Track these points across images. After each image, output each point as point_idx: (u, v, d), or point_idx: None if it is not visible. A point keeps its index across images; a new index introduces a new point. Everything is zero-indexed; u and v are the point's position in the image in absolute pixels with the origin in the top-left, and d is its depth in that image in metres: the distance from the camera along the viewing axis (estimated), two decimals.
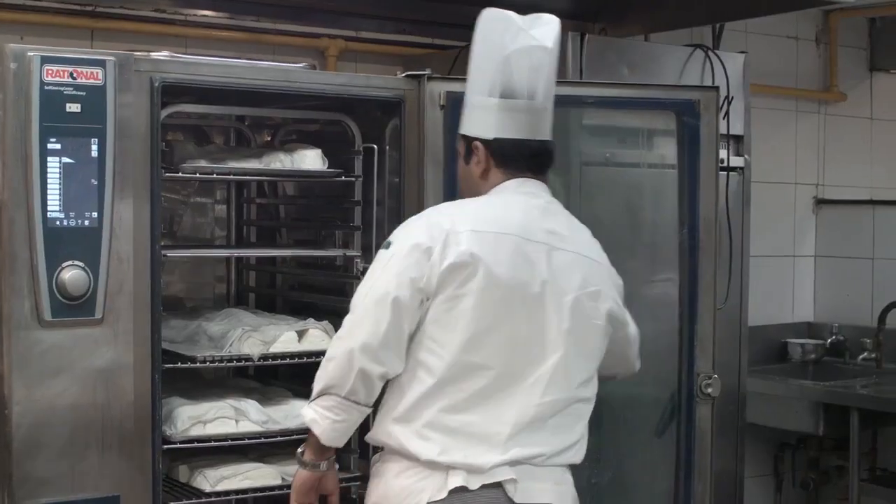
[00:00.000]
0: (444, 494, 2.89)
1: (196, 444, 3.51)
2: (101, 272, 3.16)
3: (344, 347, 2.98)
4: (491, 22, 3.13)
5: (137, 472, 3.26)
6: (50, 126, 3.08)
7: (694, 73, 4.84)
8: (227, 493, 3.56)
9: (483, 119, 3.14)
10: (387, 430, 3.01)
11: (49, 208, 3.09)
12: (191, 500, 3.52)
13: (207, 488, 3.53)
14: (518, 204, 3.10)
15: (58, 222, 3.10)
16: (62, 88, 3.10)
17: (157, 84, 3.25)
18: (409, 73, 3.74)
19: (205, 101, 3.74)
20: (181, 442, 3.47)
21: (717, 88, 4.05)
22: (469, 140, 3.19)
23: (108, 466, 3.21)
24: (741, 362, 4.97)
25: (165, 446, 3.38)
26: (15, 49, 3.07)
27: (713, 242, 3.96)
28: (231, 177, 3.87)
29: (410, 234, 3.02)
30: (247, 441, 3.66)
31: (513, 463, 2.92)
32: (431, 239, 2.96)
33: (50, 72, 3.08)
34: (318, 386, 3.04)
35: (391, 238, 3.08)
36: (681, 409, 3.98)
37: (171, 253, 3.57)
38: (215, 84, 3.42)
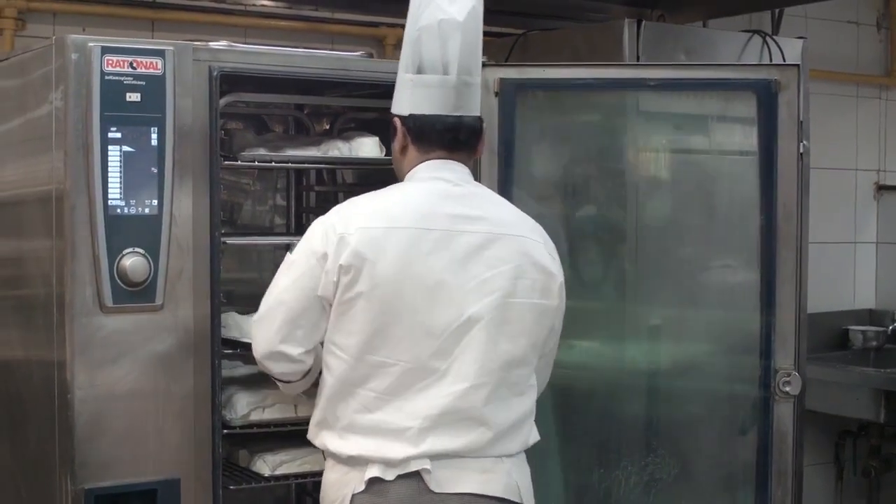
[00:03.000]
0: (363, 486, 2.92)
1: (255, 430, 3.55)
2: (161, 259, 3.20)
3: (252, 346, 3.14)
4: None
5: (197, 456, 3.30)
6: (110, 115, 3.12)
7: (752, 60, 4.80)
8: (286, 476, 3.59)
9: (401, 96, 3.13)
10: (314, 434, 3.09)
11: (110, 196, 3.13)
12: (250, 485, 3.56)
13: (267, 472, 3.56)
14: (420, 192, 3.06)
15: (118, 210, 3.14)
16: (122, 78, 3.14)
17: (215, 73, 3.28)
18: None
19: (263, 90, 3.77)
20: (241, 427, 3.51)
21: (797, 66, 3.82)
22: (391, 118, 3.18)
23: (168, 450, 3.25)
24: (799, 349, 4.94)
25: (225, 431, 3.41)
26: (76, 40, 3.12)
27: (794, 230, 3.81)
28: (290, 165, 3.90)
29: (308, 241, 3.02)
30: (306, 426, 3.69)
31: (430, 455, 2.91)
32: (326, 244, 2.96)
33: (110, 62, 3.12)
34: None
35: (299, 242, 3.08)
36: (759, 407, 3.83)
37: (230, 240, 3.60)
38: (273, 73, 3.45)
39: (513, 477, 3.00)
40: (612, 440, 4.05)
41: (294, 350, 3.04)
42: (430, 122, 3.08)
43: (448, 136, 3.09)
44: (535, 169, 3.99)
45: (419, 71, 3.08)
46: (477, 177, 3.70)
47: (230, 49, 3.41)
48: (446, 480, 2.92)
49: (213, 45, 3.38)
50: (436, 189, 3.06)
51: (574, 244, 4.02)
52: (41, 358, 3.28)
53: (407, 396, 2.92)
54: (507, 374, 2.99)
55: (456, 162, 3.11)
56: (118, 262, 3.14)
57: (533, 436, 3.09)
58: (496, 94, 3.69)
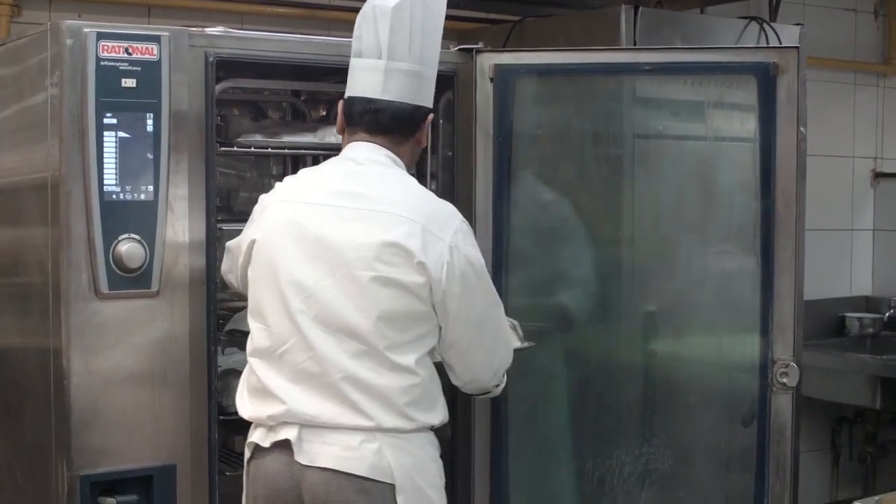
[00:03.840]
0: (250, 453, 3.07)
1: None
2: (157, 245, 3.20)
3: None
4: None
5: (194, 443, 3.30)
6: (106, 101, 3.12)
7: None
8: None
9: (347, 80, 3.20)
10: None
11: (105, 182, 3.12)
12: None
13: None
14: (326, 170, 3.17)
15: (114, 196, 3.14)
16: (118, 64, 3.13)
17: (211, 59, 3.28)
18: (461, 46, 3.76)
19: (260, 76, 3.77)
20: (237, 413, 3.51)
21: (797, 48, 3.74)
22: None
23: (164, 437, 3.26)
24: (796, 336, 4.94)
25: (221, 417, 3.41)
26: (71, 25, 3.11)
27: (793, 217, 3.70)
28: (286, 151, 3.89)
29: (252, 214, 3.20)
30: None
31: (296, 420, 2.97)
32: (252, 217, 3.16)
33: (106, 47, 3.12)
34: None
35: None
36: (756, 398, 3.74)
37: (226, 226, 3.60)
38: (269, 59, 3.45)
39: (385, 457, 2.95)
40: (605, 429, 4.04)
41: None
42: (355, 104, 3.15)
43: (368, 118, 3.13)
44: (531, 154, 3.97)
45: (358, 55, 3.15)
46: (472, 161, 3.71)
47: (226, 35, 3.40)
48: (311, 453, 2.96)
49: (210, 30, 3.37)
50: (340, 168, 3.14)
51: (569, 229, 4.01)
52: (37, 345, 3.28)
53: (275, 361, 3.00)
54: (365, 345, 2.96)
55: (376, 144, 3.14)
56: (114, 249, 3.14)
57: (426, 417, 3.03)
58: (491, 79, 3.69)
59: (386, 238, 2.96)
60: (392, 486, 2.95)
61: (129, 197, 3.16)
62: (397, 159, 3.14)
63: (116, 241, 3.14)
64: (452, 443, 3.74)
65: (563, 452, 4.08)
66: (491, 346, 3.19)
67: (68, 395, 3.12)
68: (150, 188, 3.18)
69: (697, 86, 3.99)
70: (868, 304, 6.18)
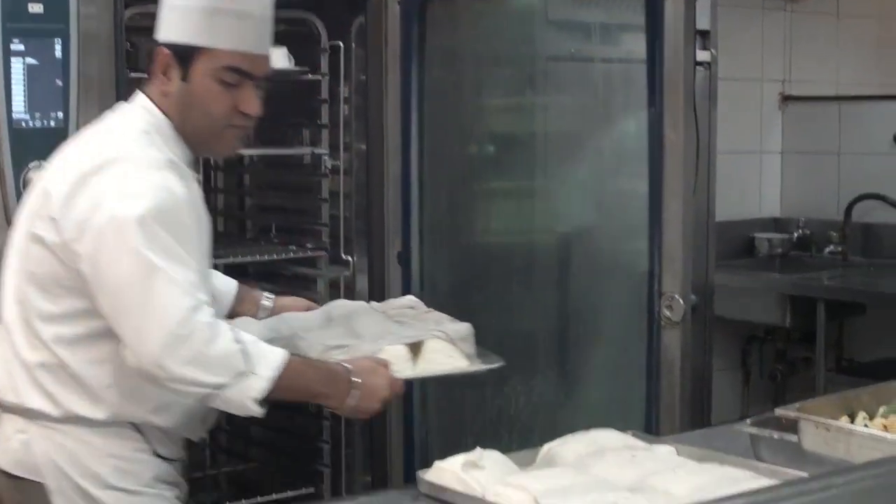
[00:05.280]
0: None
1: None
2: None
3: None
4: None
5: None
6: (13, 27, 3.09)
7: None
8: None
9: None
10: None
11: (14, 109, 3.10)
12: None
13: None
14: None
15: (23, 123, 3.11)
16: None
17: None
18: None
19: None
20: None
21: None
22: None
23: None
24: (709, 257, 5.00)
25: None
26: None
27: (681, 141, 3.41)
28: None
29: None
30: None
31: None
32: None
33: None
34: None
35: None
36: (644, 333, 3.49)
37: None
38: None
39: (33, 450, 2.60)
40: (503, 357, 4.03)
41: None
42: None
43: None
44: (439, 80, 3.97)
45: None
46: (384, 90, 3.71)
47: None
48: None
49: None
50: (88, 129, 2.74)
51: (480, 152, 4.01)
52: None
53: None
54: (22, 313, 2.61)
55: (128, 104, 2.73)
56: (24, 176, 3.11)
57: (79, 407, 2.60)
58: (399, 2, 3.67)
59: (45, 188, 2.58)
60: (41, 485, 2.59)
61: (38, 124, 3.14)
62: (145, 101, 2.66)
63: (26, 169, 3.12)
64: None
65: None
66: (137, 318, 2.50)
67: None
68: (60, 115, 3.16)
69: (602, 7, 3.93)
70: (777, 224, 6.27)
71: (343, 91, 3.90)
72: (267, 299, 3.11)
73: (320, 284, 4.26)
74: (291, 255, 4.23)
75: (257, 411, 2.53)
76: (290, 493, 4.22)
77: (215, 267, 4.46)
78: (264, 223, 4.70)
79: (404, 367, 2.82)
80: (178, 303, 2.46)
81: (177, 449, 2.75)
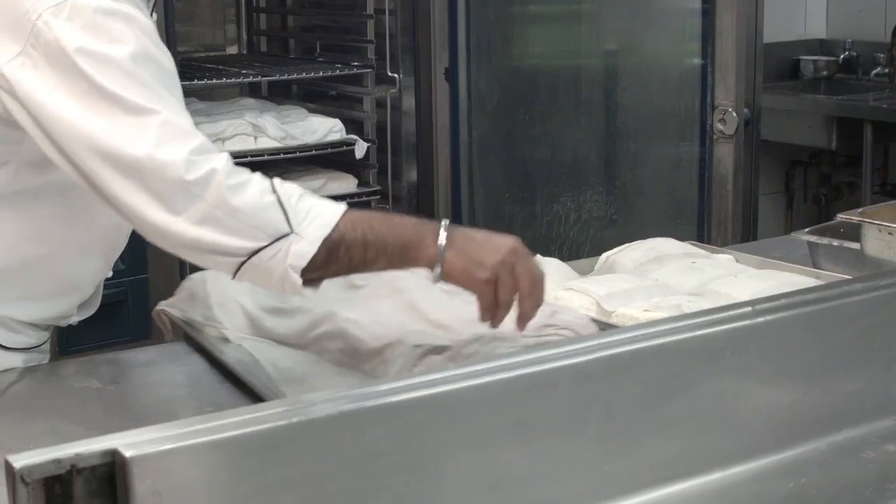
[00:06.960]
0: None
1: None
2: None
3: None
4: None
5: None
6: None
7: None
8: None
9: None
10: None
11: None
12: None
13: None
14: None
15: None
16: None
17: None
18: None
19: None
20: None
21: None
22: None
23: None
24: (756, 79, 4.93)
25: None
26: None
27: None
28: None
29: None
30: (266, 157, 3.69)
31: None
32: None
33: None
34: None
35: None
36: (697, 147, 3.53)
37: None
38: None
39: None
40: (552, 175, 4.04)
41: None
42: None
43: None
44: None
45: None
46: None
47: None
48: None
49: None
50: None
51: None
52: None
53: None
54: None
55: None
56: None
57: None
58: None
59: None
60: None
61: None
62: None
63: None
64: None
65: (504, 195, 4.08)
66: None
67: None
68: None
69: None
70: (822, 46, 6.17)
71: (388, 3, 3.88)
72: None
73: (367, 104, 4.22)
74: (337, 72, 4.18)
75: (303, 289, 1.82)
76: None
77: (258, 84, 4.48)
78: (308, 43, 4.66)
79: None
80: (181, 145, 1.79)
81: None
